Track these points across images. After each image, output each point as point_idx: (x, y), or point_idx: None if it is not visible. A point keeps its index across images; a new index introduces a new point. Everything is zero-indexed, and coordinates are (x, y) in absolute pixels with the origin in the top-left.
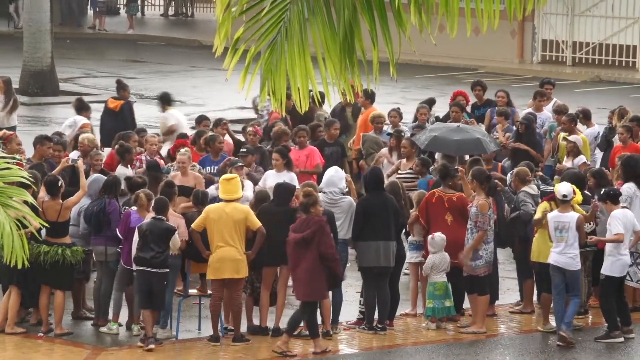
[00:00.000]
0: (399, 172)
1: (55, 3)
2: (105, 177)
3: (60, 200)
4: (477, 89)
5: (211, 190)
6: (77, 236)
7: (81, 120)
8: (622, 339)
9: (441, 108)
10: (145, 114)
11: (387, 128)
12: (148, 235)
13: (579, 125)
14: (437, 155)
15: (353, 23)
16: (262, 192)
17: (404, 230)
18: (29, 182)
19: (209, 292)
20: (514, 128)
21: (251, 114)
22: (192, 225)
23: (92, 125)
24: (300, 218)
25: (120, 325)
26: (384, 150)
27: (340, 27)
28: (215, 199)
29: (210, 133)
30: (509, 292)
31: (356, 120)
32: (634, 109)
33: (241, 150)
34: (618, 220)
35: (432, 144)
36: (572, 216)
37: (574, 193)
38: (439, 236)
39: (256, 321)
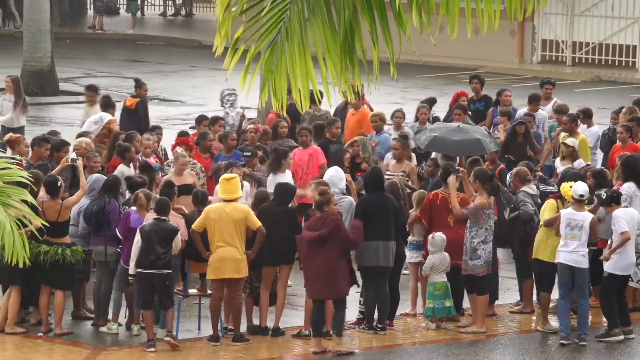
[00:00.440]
0: (387, 172)
1: (54, 3)
2: (105, 177)
3: (60, 200)
4: (475, 82)
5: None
6: (77, 236)
7: (107, 116)
8: (622, 337)
9: (441, 108)
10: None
11: (387, 128)
12: (152, 236)
13: (580, 125)
14: (433, 154)
15: (353, 23)
16: (262, 192)
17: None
18: (27, 182)
19: (209, 292)
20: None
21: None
22: (193, 226)
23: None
24: (315, 216)
25: (120, 325)
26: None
27: (341, 27)
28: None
29: (224, 130)
30: (508, 292)
31: None
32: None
33: (245, 153)
34: (621, 219)
35: (432, 144)
36: (586, 215)
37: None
38: (439, 236)
39: (256, 321)
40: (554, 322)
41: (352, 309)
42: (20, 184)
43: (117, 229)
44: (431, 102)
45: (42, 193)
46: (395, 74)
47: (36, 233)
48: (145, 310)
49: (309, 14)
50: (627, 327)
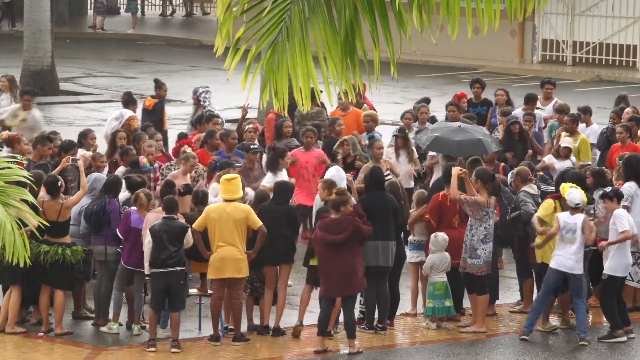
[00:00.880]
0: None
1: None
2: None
3: (61, 200)
4: (476, 86)
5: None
6: (77, 236)
7: (127, 113)
8: (625, 338)
9: (442, 108)
10: None
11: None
12: (162, 236)
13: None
14: (430, 154)
15: (354, 23)
16: (262, 191)
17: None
18: (27, 181)
19: (210, 291)
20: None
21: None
22: (194, 226)
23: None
24: (330, 217)
25: (120, 325)
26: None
27: (342, 26)
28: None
29: (224, 129)
30: (509, 291)
31: None
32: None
33: (252, 147)
34: (623, 218)
35: (433, 144)
36: (578, 217)
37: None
38: (441, 236)
39: (256, 321)
40: (554, 321)
41: None
42: (19, 183)
43: (117, 229)
44: (426, 102)
45: (43, 193)
46: (396, 74)
47: (36, 232)
48: (153, 310)
49: (309, 13)
50: (627, 327)
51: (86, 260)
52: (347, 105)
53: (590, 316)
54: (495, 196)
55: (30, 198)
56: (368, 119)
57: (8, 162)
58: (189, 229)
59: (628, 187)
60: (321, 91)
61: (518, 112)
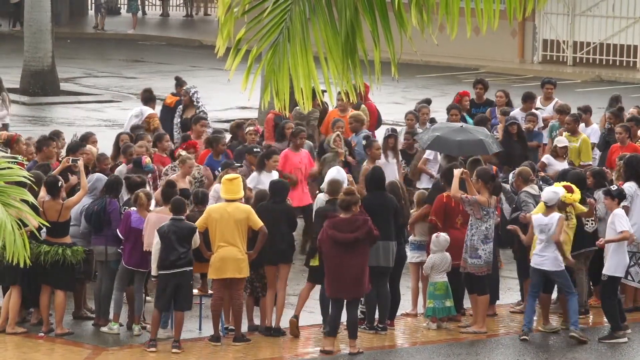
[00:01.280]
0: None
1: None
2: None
3: (61, 200)
4: (479, 87)
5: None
6: (79, 236)
7: (147, 110)
8: (625, 339)
9: (442, 108)
10: None
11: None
12: (170, 237)
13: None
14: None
15: (355, 23)
16: (261, 191)
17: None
18: (27, 182)
19: (210, 291)
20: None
21: (252, 114)
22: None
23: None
24: (339, 217)
25: (121, 325)
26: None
27: (342, 27)
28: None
29: (214, 134)
30: (509, 292)
31: None
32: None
33: (254, 149)
34: (623, 217)
35: (434, 144)
36: (553, 216)
37: (571, 191)
38: (443, 237)
39: (257, 321)
40: (554, 322)
41: None
42: (19, 184)
43: (118, 229)
44: (427, 103)
45: (43, 193)
46: (396, 74)
47: (36, 232)
48: (158, 311)
49: (310, 14)
50: (622, 323)
51: (87, 260)
52: (346, 106)
53: (591, 316)
54: (495, 196)
55: (31, 198)
56: (352, 120)
57: (8, 162)
58: (197, 230)
59: (628, 187)
60: (324, 91)
61: (516, 112)
